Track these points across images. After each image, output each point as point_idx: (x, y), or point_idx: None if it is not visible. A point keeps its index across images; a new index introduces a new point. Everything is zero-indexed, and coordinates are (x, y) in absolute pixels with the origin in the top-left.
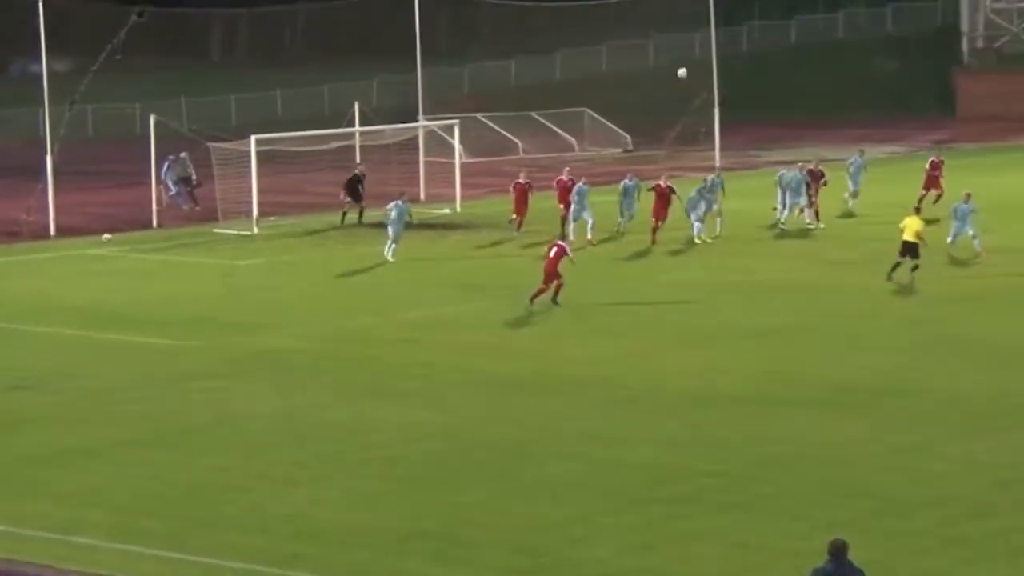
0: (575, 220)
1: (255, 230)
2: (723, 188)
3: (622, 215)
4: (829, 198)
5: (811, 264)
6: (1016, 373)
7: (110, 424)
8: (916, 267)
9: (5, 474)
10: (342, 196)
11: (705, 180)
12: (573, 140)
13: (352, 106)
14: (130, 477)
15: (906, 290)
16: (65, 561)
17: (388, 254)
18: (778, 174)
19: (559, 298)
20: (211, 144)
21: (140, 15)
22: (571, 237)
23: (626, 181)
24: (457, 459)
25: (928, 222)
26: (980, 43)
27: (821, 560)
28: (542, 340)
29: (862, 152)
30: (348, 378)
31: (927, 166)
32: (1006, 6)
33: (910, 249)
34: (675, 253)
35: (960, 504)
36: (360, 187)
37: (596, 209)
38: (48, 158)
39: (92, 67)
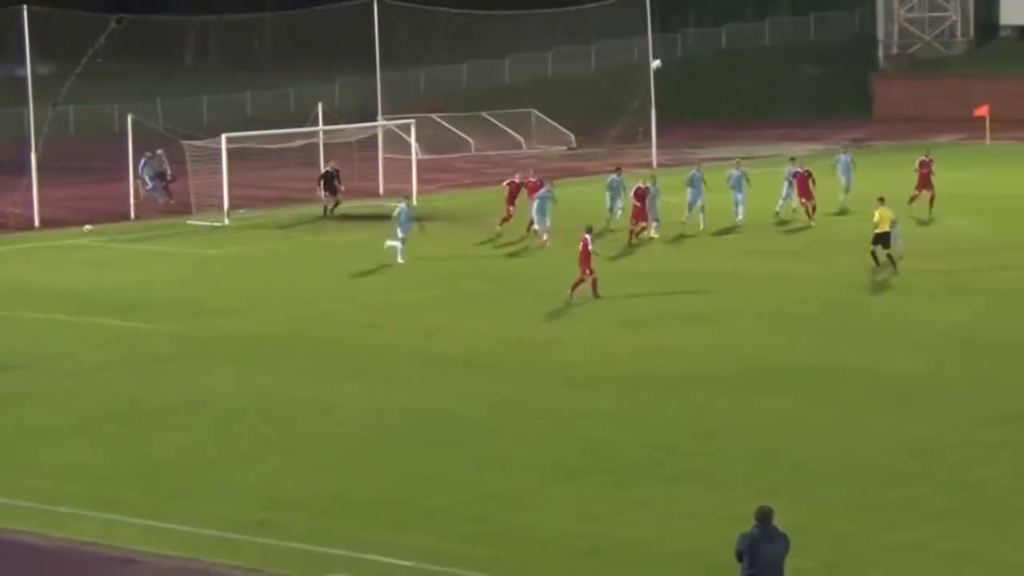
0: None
1: (226, 222)
2: (705, 182)
3: (612, 211)
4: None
5: (748, 255)
6: (931, 354)
7: (91, 402)
8: (890, 256)
9: None
10: (319, 192)
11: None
12: (521, 139)
13: (316, 107)
14: (110, 451)
15: (831, 277)
16: (51, 529)
17: (399, 257)
18: (727, 173)
19: (598, 291)
20: (185, 142)
21: (119, 22)
22: (544, 237)
23: (613, 176)
24: (415, 434)
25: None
26: (895, 50)
27: (749, 525)
28: (495, 323)
29: (846, 148)
30: (314, 359)
31: (917, 166)
32: (918, 16)
33: (884, 239)
34: (627, 245)
35: (877, 473)
36: (336, 182)
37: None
38: (33, 155)
39: (74, 70)
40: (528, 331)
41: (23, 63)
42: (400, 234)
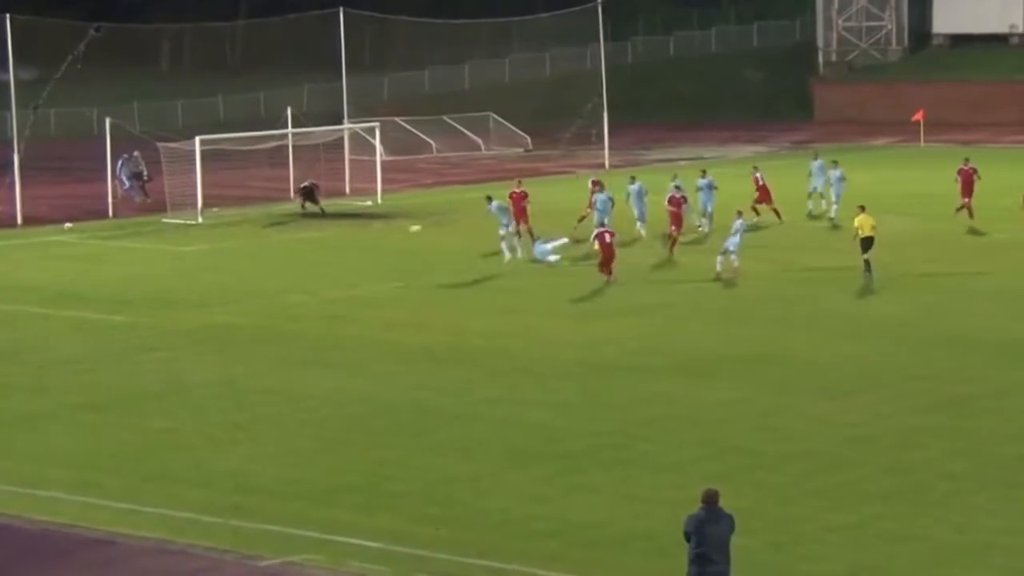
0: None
1: (200, 220)
2: (715, 187)
3: (641, 220)
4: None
5: (692, 251)
6: (866, 344)
7: (70, 391)
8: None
9: None
10: (297, 199)
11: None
12: (480, 141)
13: (285, 110)
14: (88, 438)
15: (770, 271)
16: (31, 512)
17: (508, 253)
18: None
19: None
20: (160, 144)
21: (97, 30)
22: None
23: (634, 186)
24: (379, 421)
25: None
26: (834, 57)
27: (696, 507)
28: (451, 317)
29: (816, 154)
30: (282, 350)
31: (956, 174)
32: (855, 24)
33: (870, 244)
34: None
35: (818, 459)
36: (315, 195)
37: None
38: (15, 156)
39: (55, 75)
40: (485, 323)
41: (6, 68)
42: (503, 231)
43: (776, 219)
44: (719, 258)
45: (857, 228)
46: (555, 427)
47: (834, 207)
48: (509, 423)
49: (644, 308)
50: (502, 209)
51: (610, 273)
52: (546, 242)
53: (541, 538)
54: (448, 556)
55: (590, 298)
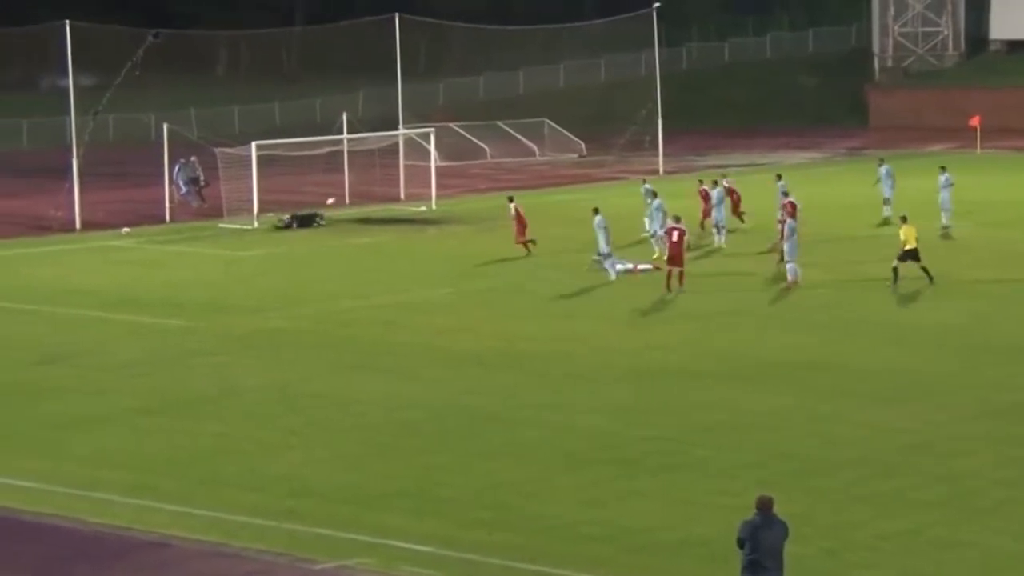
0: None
1: (255, 225)
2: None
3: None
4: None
5: (745, 258)
6: (917, 351)
7: (125, 395)
8: (924, 269)
9: (34, 437)
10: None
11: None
12: (534, 147)
13: (341, 116)
14: (143, 441)
15: (826, 279)
16: (87, 514)
17: (612, 274)
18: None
19: (683, 284)
20: (217, 149)
21: (155, 36)
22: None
23: (717, 190)
24: (430, 426)
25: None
26: (889, 63)
27: (750, 514)
28: (503, 322)
29: (882, 160)
30: (334, 355)
31: None
32: (912, 30)
33: (913, 255)
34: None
35: (869, 465)
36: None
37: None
38: (74, 161)
39: (113, 82)
40: (536, 328)
41: (66, 75)
42: (603, 248)
43: (741, 223)
44: (790, 266)
45: (903, 240)
46: (607, 432)
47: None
48: (560, 428)
49: (697, 314)
50: (602, 226)
51: (669, 278)
52: (624, 263)
53: (593, 543)
54: (499, 561)
55: (642, 303)
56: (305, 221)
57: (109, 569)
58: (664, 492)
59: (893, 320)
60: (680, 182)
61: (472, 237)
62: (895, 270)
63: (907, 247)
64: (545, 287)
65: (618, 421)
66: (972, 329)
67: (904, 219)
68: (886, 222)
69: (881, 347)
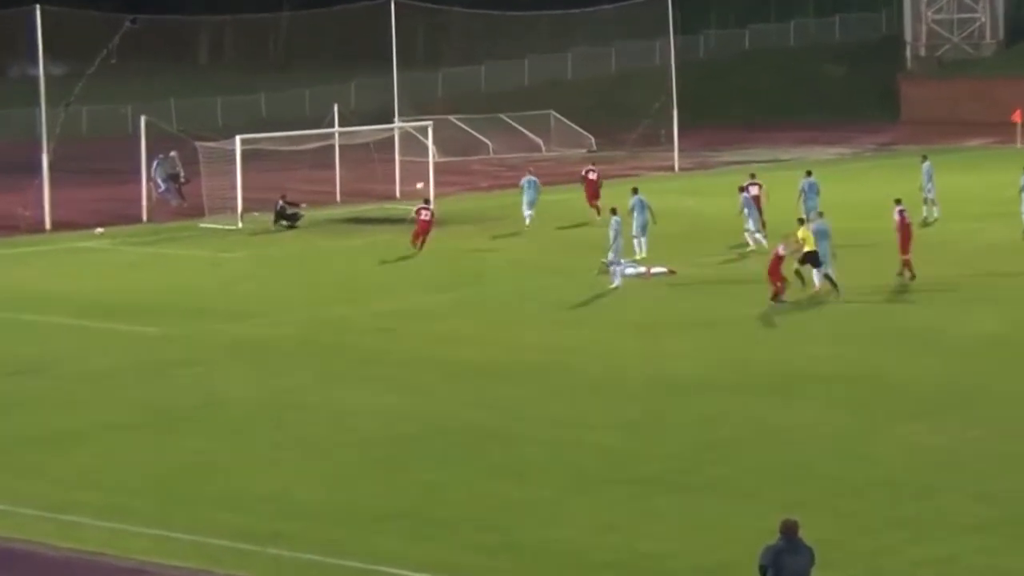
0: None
1: (239, 224)
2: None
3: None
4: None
5: (761, 259)
6: (952, 362)
7: (101, 408)
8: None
9: (2, 454)
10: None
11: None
12: (540, 141)
13: (332, 108)
14: (119, 459)
15: (848, 285)
16: (57, 538)
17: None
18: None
19: (783, 297)
20: (198, 143)
21: (133, 22)
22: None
23: (746, 194)
24: (429, 441)
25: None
26: (922, 51)
27: (774, 538)
28: (506, 330)
29: (925, 157)
30: (326, 364)
31: None
32: (946, 17)
33: (813, 258)
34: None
35: (903, 486)
36: (287, 211)
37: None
38: (44, 156)
39: (87, 71)
40: (541, 337)
41: (35, 63)
42: (612, 255)
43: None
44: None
45: (801, 240)
46: (620, 450)
47: (935, 209)
48: (570, 445)
49: (714, 321)
50: (615, 230)
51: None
52: (634, 266)
53: (604, 570)
54: None
55: (655, 310)
56: (283, 215)
57: None
58: (681, 514)
59: (926, 328)
60: (695, 179)
61: (473, 238)
62: (797, 272)
63: (807, 249)
64: (552, 293)
65: (631, 437)
66: (1014, 339)
67: (801, 221)
68: (927, 224)
69: (914, 358)
